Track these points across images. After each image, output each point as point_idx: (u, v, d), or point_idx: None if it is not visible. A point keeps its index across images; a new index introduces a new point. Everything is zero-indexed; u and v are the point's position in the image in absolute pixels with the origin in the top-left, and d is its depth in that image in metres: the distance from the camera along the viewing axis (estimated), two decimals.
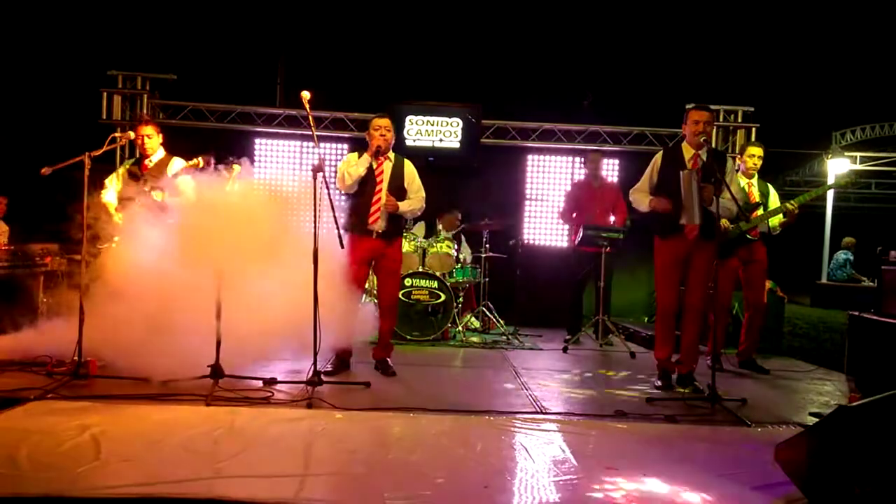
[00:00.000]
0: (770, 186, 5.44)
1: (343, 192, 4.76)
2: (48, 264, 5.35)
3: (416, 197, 4.82)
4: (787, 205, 5.10)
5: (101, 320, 4.06)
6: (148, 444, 2.92)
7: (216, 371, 3.95)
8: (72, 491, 2.39)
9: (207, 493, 2.44)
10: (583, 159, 7.09)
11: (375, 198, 4.64)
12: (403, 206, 4.72)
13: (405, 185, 4.78)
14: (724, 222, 4.97)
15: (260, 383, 4.05)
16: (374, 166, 4.67)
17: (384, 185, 4.67)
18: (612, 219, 6.57)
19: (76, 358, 3.97)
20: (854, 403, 2.56)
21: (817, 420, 3.03)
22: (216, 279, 3.87)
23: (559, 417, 3.74)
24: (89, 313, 4.00)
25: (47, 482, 2.45)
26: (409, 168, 4.84)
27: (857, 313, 4.82)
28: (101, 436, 2.97)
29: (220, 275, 3.88)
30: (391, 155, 4.76)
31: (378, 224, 4.65)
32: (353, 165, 4.63)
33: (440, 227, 7.14)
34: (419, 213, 4.97)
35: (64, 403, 3.48)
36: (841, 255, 12.94)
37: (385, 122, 4.67)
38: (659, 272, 4.54)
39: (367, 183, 4.64)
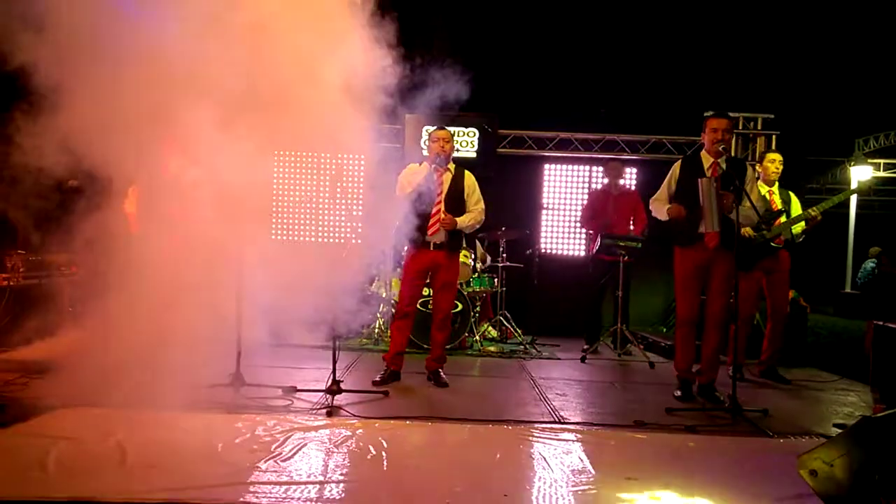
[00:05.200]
0: (791, 194, 5.39)
1: (404, 199, 4.71)
2: (75, 273, 5.47)
3: (475, 209, 4.78)
4: (811, 211, 5.07)
5: (124, 329, 4.14)
6: (172, 452, 2.96)
7: (237, 379, 4.01)
8: (98, 496, 2.44)
9: (229, 499, 2.48)
10: (603, 168, 7.11)
11: (435, 209, 4.64)
12: (462, 220, 4.67)
13: (465, 196, 4.77)
14: (748, 230, 4.94)
15: (280, 392, 4.09)
16: (435, 176, 4.68)
17: (443, 196, 4.67)
18: (631, 227, 6.55)
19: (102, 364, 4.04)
20: (879, 414, 2.53)
21: (841, 431, 2.98)
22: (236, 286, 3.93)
23: (577, 427, 3.74)
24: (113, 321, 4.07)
25: (74, 487, 2.51)
26: (470, 179, 4.83)
27: (881, 323, 4.73)
28: (126, 443, 3.03)
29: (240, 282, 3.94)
30: (451, 166, 4.77)
31: (437, 236, 4.65)
32: (412, 174, 4.66)
33: None
34: (479, 226, 4.91)
35: (90, 410, 3.55)
36: (868, 264, 12.77)
37: (444, 133, 4.71)
38: (679, 281, 4.52)
39: (425, 193, 4.62)
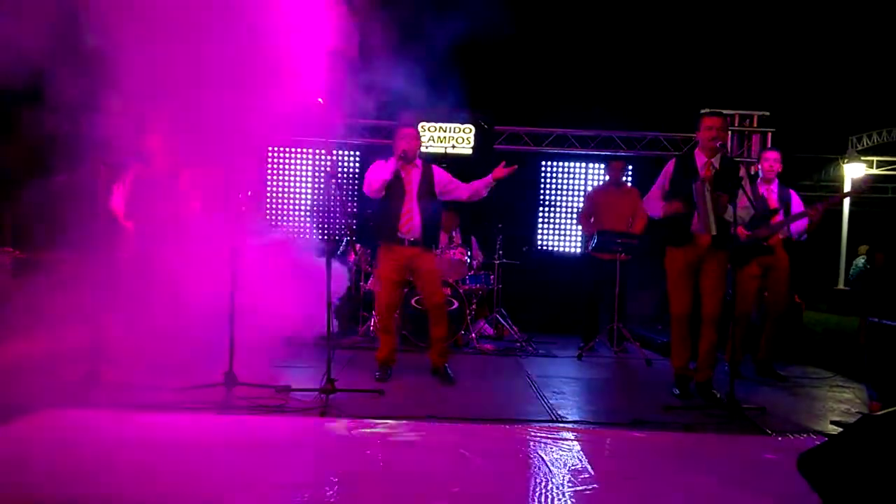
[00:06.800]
0: (791, 192, 5.34)
1: (371, 197, 4.73)
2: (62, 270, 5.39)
3: (463, 185, 4.78)
4: (810, 210, 5.03)
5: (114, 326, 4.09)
6: (162, 453, 2.91)
7: (230, 378, 3.95)
8: (86, 500, 2.39)
9: (222, 501, 2.43)
10: (605, 165, 7.10)
11: (406, 207, 4.61)
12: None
13: (437, 190, 4.74)
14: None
15: (273, 391, 4.03)
16: (403, 173, 4.65)
17: (414, 192, 4.64)
18: (630, 224, 6.52)
19: (91, 365, 3.99)
20: (878, 412, 2.51)
21: (840, 429, 2.97)
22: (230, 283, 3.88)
23: (575, 426, 3.70)
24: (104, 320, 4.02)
25: (62, 491, 2.45)
26: (438, 172, 4.80)
27: (876, 320, 4.72)
28: (115, 444, 2.98)
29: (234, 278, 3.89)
30: (418, 162, 4.75)
31: (411, 232, 4.61)
32: (380, 171, 4.61)
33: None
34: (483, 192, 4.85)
35: (78, 412, 3.48)
36: (860, 261, 12.84)
37: (412, 130, 4.71)
38: (671, 280, 4.49)
39: (395, 189, 4.61)
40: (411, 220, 4.60)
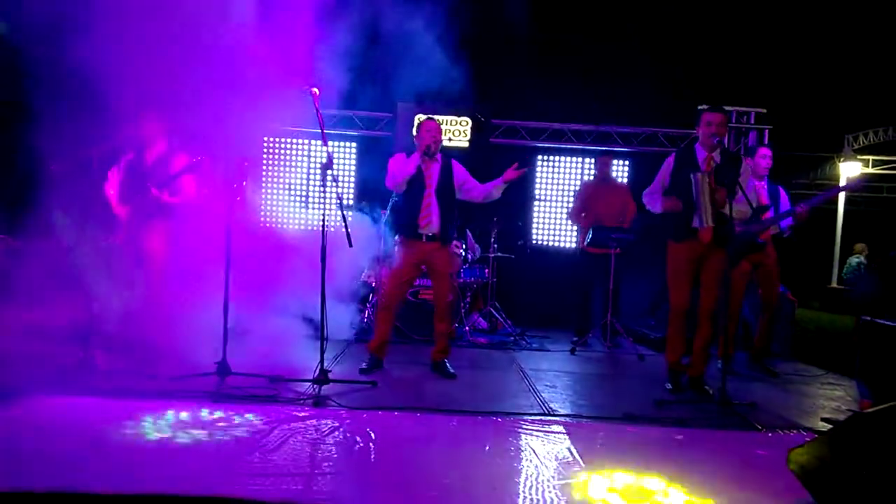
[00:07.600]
0: (780, 189, 5.38)
1: (393, 190, 4.76)
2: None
3: (481, 186, 4.80)
4: (796, 209, 5.06)
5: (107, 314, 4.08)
6: (155, 442, 2.91)
7: (223, 368, 3.95)
8: (78, 487, 2.38)
9: (214, 491, 2.43)
10: (594, 161, 7.10)
11: (425, 201, 4.60)
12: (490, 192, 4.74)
13: (456, 185, 4.74)
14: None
15: (266, 381, 4.03)
16: (423, 167, 4.63)
17: (434, 187, 4.62)
18: (620, 221, 6.53)
19: (83, 352, 3.98)
20: (869, 410, 2.52)
21: (830, 426, 2.98)
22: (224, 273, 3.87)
23: (567, 419, 3.72)
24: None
25: (55, 478, 2.44)
26: (458, 168, 4.80)
27: (869, 318, 4.75)
28: (107, 432, 2.97)
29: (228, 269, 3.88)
30: (437, 156, 4.73)
31: (429, 228, 4.61)
32: (402, 165, 4.59)
33: None
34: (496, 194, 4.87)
35: (71, 399, 3.47)
36: (853, 260, 12.89)
37: (434, 123, 4.69)
38: (672, 275, 4.50)
39: (415, 184, 4.60)
40: (430, 214, 4.60)
